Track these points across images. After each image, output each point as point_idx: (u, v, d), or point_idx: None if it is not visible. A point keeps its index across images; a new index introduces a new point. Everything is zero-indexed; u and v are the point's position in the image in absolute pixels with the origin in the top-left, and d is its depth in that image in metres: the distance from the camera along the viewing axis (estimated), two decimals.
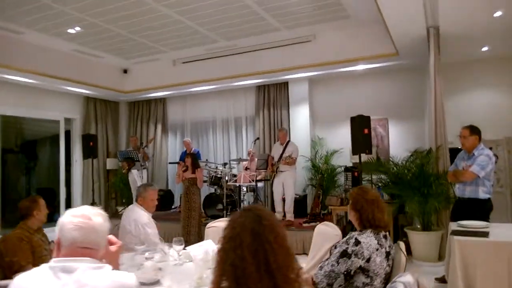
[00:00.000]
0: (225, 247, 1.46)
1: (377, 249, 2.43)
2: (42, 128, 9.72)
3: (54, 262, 1.53)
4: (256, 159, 7.67)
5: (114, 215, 8.80)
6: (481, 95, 7.23)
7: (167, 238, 4.25)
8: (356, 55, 7.14)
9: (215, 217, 7.21)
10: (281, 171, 6.91)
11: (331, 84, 8.35)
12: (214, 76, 8.45)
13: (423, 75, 7.10)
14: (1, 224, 7.90)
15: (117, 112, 10.58)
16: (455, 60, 7.08)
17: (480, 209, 4.28)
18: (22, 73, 7.37)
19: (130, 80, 9.52)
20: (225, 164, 7.66)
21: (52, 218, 8.70)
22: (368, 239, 2.45)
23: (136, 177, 7.08)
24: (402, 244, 2.62)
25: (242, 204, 7.70)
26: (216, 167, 7.71)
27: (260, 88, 8.84)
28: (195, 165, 6.70)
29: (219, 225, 3.86)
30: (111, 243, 1.75)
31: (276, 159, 6.99)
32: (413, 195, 5.37)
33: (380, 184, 6.40)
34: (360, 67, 7.49)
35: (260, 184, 8.01)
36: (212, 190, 7.96)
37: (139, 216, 3.54)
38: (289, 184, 6.87)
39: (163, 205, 8.95)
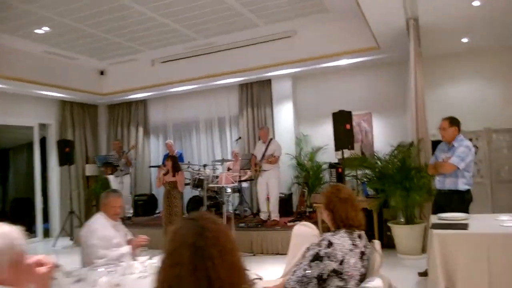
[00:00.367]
0: (163, 264, 1.32)
1: (351, 250, 2.34)
2: (16, 135, 9.38)
3: None
4: (240, 159, 7.56)
5: None
6: (462, 87, 7.23)
7: (149, 245, 4.09)
8: (337, 49, 7.06)
9: None
10: (265, 170, 6.80)
11: (314, 81, 8.26)
12: (194, 75, 8.28)
13: (405, 69, 7.03)
14: None
15: (96, 115, 10.23)
16: (436, 53, 7.05)
17: (460, 200, 4.23)
18: None
19: (108, 82, 9.28)
20: (204, 165, 7.53)
21: (30, 229, 8.53)
22: (341, 240, 2.35)
23: (113, 183, 6.89)
24: (377, 243, 2.53)
25: (227, 205, 7.57)
26: (199, 168, 7.57)
27: (243, 87, 8.71)
28: (176, 168, 6.55)
29: None
30: (40, 264, 1.58)
31: (259, 158, 6.88)
32: (395, 189, 5.31)
33: (365, 180, 6.36)
34: (342, 62, 7.40)
35: (245, 185, 7.91)
36: (196, 193, 7.83)
37: (97, 225, 3.39)
38: (273, 183, 6.76)
39: (146, 210, 8.79)
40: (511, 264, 3.10)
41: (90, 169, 9.53)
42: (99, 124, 10.32)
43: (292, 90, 8.29)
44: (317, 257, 2.31)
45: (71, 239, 8.01)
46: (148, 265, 2.88)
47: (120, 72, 9.10)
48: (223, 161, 7.45)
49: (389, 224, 5.68)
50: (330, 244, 2.32)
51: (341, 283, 2.28)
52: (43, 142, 9.13)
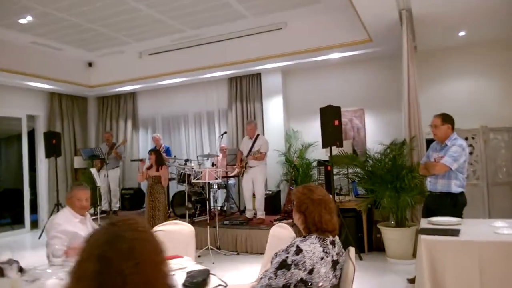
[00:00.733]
0: (70, 278, 1.07)
1: (321, 258, 2.08)
2: (7, 127, 9.27)
3: None
4: (226, 154, 7.31)
5: None
6: (459, 83, 6.97)
7: None
8: (329, 43, 6.80)
9: (185, 216, 6.85)
10: (250, 167, 6.54)
11: (305, 75, 8.00)
12: (182, 68, 8.03)
13: (399, 63, 6.73)
14: None
15: (85, 108, 10.08)
16: (432, 47, 6.80)
17: (452, 204, 3.96)
18: None
19: (96, 74, 9.06)
20: (186, 160, 7.26)
21: (20, 220, 8.42)
22: (311, 247, 2.09)
23: (95, 176, 6.63)
24: (352, 251, 2.27)
25: (213, 202, 7.33)
26: (185, 163, 7.31)
27: (232, 80, 8.45)
28: (160, 163, 6.30)
29: (167, 228, 3.49)
30: None
31: (245, 154, 6.61)
32: (385, 190, 5.06)
33: (355, 179, 6.11)
34: (334, 55, 7.14)
35: (232, 181, 7.66)
36: (182, 188, 7.57)
37: (60, 220, 3.14)
38: (259, 181, 6.50)
39: (133, 205, 8.63)
40: (504, 275, 2.86)
41: (79, 162, 9.35)
42: (88, 116, 10.17)
43: (282, 84, 8.02)
44: (283, 265, 2.05)
45: None
46: None
47: (108, 64, 8.88)
48: (209, 156, 7.18)
49: (379, 226, 5.43)
50: (298, 251, 2.06)
51: None
52: (33, 134, 9.05)
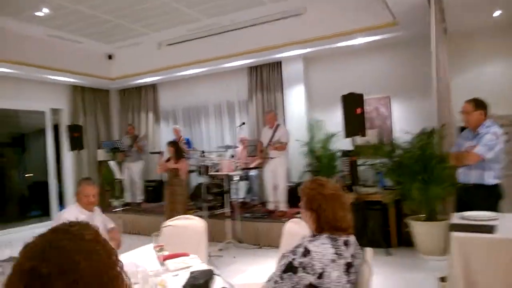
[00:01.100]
0: None
1: (333, 261, 1.85)
2: (32, 121, 9.39)
3: None
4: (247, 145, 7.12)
5: (105, 209, 8.44)
6: (493, 66, 6.46)
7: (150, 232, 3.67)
8: (351, 27, 6.43)
9: (206, 209, 6.72)
10: (271, 158, 6.32)
11: (328, 62, 7.67)
12: (201, 57, 7.85)
13: (427, 47, 6.30)
14: None
15: (108, 101, 10.12)
16: (463, 29, 6.33)
17: (487, 196, 3.63)
18: None
19: (117, 66, 9.02)
20: (202, 152, 7.10)
21: (47, 212, 8.58)
22: (321, 248, 1.86)
23: (114, 169, 6.57)
24: (368, 252, 2.03)
25: (233, 193, 7.16)
26: (201, 155, 7.17)
27: (252, 70, 8.22)
28: (178, 155, 6.16)
29: (178, 223, 3.33)
30: None
31: (265, 144, 6.40)
32: (412, 181, 4.73)
33: (381, 169, 5.78)
34: (358, 41, 6.78)
35: (254, 172, 7.46)
36: (202, 180, 7.44)
37: (67, 215, 3.03)
38: (280, 172, 6.29)
39: (156, 197, 8.59)
40: None
41: (102, 155, 9.38)
42: (111, 109, 10.21)
43: (303, 72, 7.72)
44: (290, 268, 1.84)
45: None
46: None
47: (127, 56, 8.82)
48: (228, 147, 6.99)
49: (407, 220, 5.10)
50: (306, 252, 1.85)
51: None
52: (58, 127, 9.16)
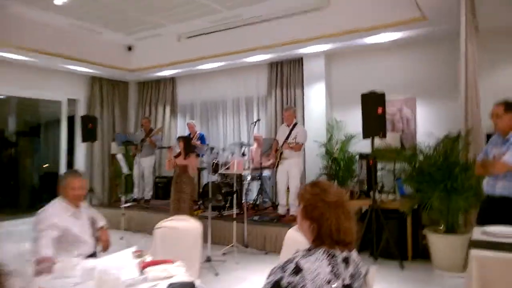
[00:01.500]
0: None
1: (328, 282, 1.57)
2: (50, 110, 9.41)
3: None
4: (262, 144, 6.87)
5: (112, 204, 8.33)
6: None
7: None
8: (376, 22, 6.05)
9: (214, 209, 6.51)
10: (285, 158, 6.04)
11: (351, 60, 7.32)
12: (221, 51, 7.62)
13: (457, 46, 5.92)
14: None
15: (126, 93, 10.05)
16: (496, 25, 5.86)
17: None
18: (16, 50, 6.93)
19: (136, 58, 8.92)
20: (212, 148, 6.88)
21: None
22: (316, 265, 1.58)
23: (121, 163, 6.40)
24: (371, 271, 1.75)
25: (245, 194, 6.93)
26: (210, 152, 6.95)
27: (273, 65, 7.96)
28: (188, 151, 5.96)
29: (171, 225, 3.11)
30: None
31: (280, 143, 6.13)
32: (433, 190, 4.38)
33: (401, 175, 5.42)
34: (383, 37, 6.40)
35: (266, 173, 7.20)
36: (214, 178, 7.23)
37: (48, 213, 2.84)
38: (294, 174, 5.99)
39: (166, 194, 8.37)
40: None
41: (116, 147, 9.28)
42: (129, 101, 10.13)
43: (325, 69, 7.40)
44: (277, 287, 1.58)
45: None
46: (87, 270, 2.27)
47: (147, 48, 8.69)
48: (241, 145, 6.75)
49: (425, 232, 4.75)
50: (298, 270, 1.57)
51: None
52: (73, 118, 9.09)
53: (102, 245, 3.10)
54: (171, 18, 7.22)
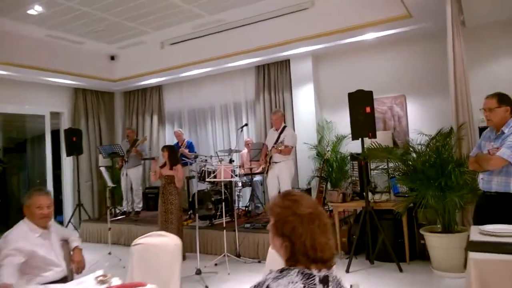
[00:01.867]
0: None
1: None
2: (34, 125, 9.17)
3: None
4: (251, 149, 6.70)
5: (102, 218, 8.11)
6: None
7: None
8: (362, 20, 5.95)
9: (205, 218, 6.33)
10: (275, 162, 5.88)
11: (338, 60, 7.21)
12: (206, 56, 7.48)
13: (445, 42, 5.82)
14: None
15: (112, 103, 9.86)
16: (483, 21, 5.78)
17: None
18: None
19: (119, 67, 8.72)
20: (195, 157, 6.70)
21: None
22: None
23: (105, 175, 6.18)
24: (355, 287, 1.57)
25: (237, 201, 6.77)
26: (194, 160, 6.77)
27: (260, 69, 7.82)
28: (174, 161, 5.75)
29: (147, 241, 2.91)
30: None
31: (270, 148, 5.96)
32: (427, 188, 4.22)
33: (395, 174, 5.26)
34: (369, 35, 6.30)
35: (258, 178, 7.03)
36: (204, 186, 7.05)
37: (13, 236, 2.64)
38: (284, 178, 5.82)
39: (156, 206, 8.10)
40: None
41: (104, 160, 9.04)
42: (115, 112, 9.93)
43: (313, 71, 7.27)
44: None
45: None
46: None
47: (130, 57, 8.51)
48: (230, 151, 6.57)
49: (422, 232, 4.59)
50: None
51: None
52: (59, 131, 8.84)
53: (74, 267, 2.90)
54: (153, 25, 7.05)
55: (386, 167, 5.38)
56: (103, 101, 9.53)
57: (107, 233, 6.22)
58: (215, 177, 5.31)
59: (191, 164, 7.28)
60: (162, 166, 5.83)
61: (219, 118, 8.61)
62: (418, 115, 6.55)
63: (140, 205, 7.98)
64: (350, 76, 6.95)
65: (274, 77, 7.64)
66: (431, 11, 5.31)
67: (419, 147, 4.73)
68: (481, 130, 4.63)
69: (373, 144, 4.88)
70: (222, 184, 5.74)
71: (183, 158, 7.23)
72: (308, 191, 6.78)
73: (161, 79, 8.80)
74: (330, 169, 6.72)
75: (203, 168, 6.71)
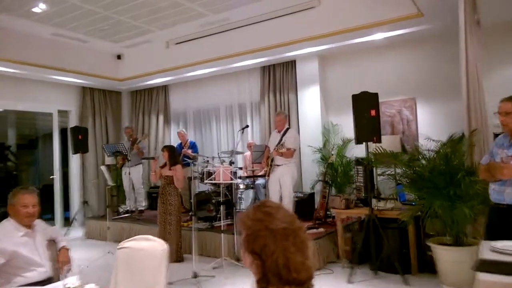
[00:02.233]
0: None
1: None
2: (46, 123, 9.20)
3: None
4: (253, 151, 6.53)
5: (103, 216, 8.04)
6: None
7: None
8: (370, 20, 5.73)
9: (206, 219, 6.17)
10: (277, 165, 5.68)
11: (345, 61, 7.00)
12: (211, 56, 7.34)
13: (458, 42, 5.57)
14: None
15: (119, 102, 9.84)
16: (499, 20, 5.51)
17: None
18: (2, 62, 6.73)
19: (125, 67, 8.67)
20: (193, 158, 6.54)
21: (53, 215, 8.31)
22: None
23: (106, 174, 6.06)
24: None
25: (239, 203, 6.59)
26: (207, 161, 6.64)
27: (265, 69, 7.65)
28: (173, 161, 5.62)
29: (133, 245, 2.75)
30: None
31: (272, 150, 5.77)
32: (435, 198, 3.98)
33: (402, 181, 5.01)
34: (378, 36, 6.08)
35: (260, 181, 6.84)
36: (205, 187, 6.90)
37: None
38: (286, 182, 5.62)
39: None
40: None
41: (108, 158, 9.00)
42: (122, 111, 9.89)
43: (319, 72, 7.07)
44: None
45: None
46: None
47: (136, 56, 8.45)
48: (232, 152, 6.40)
49: (429, 243, 4.34)
50: None
51: None
52: (66, 129, 8.88)
53: (60, 267, 2.77)
54: (157, 23, 6.94)
55: (392, 173, 5.15)
56: (110, 100, 9.50)
57: (112, 230, 6.16)
58: (213, 178, 5.14)
59: (194, 164, 7.13)
60: (162, 166, 5.73)
61: (223, 119, 8.49)
62: (428, 119, 6.30)
63: (143, 204, 7.93)
64: (357, 78, 6.72)
65: (279, 78, 7.47)
66: (443, 9, 5.06)
67: (428, 153, 4.49)
68: (496, 136, 4.37)
69: (378, 149, 4.64)
70: (221, 186, 5.58)
71: (186, 159, 7.10)
72: (312, 195, 6.57)
73: (166, 79, 8.71)
74: (335, 174, 6.51)
75: (204, 169, 6.56)
